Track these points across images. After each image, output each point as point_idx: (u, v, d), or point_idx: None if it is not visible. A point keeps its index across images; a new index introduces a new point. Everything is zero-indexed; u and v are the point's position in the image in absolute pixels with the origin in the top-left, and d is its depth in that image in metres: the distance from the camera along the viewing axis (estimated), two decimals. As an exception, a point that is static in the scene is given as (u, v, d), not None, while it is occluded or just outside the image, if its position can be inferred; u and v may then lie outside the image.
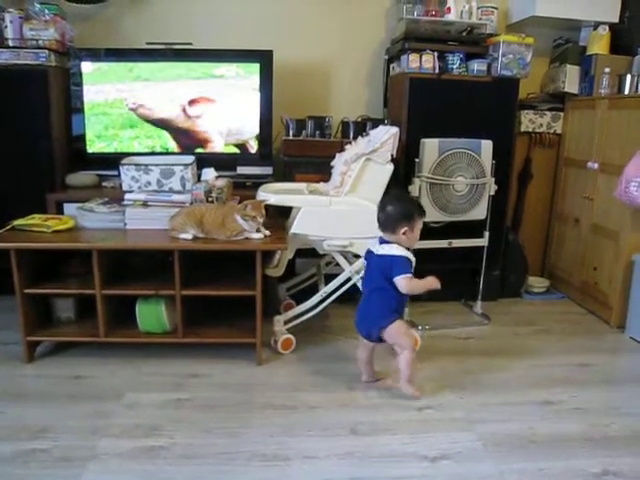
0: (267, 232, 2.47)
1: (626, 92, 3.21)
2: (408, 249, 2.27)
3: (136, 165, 2.67)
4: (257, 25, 3.43)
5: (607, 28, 3.44)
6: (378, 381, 2.43)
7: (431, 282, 2.26)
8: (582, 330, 3.14)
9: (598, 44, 3.46)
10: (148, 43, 3.10)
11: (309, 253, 2.78)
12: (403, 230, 2.22)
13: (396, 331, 2.25)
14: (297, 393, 2.32)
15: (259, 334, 2.49)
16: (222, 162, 3.07)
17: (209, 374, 2.45)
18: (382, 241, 2.27)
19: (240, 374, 2.46)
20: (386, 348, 2.43)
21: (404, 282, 2.18)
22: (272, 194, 2.57)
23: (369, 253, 2.31)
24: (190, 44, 3.11)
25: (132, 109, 3.12)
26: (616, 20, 3.43)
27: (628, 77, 3.20)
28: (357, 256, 2.61)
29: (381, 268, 2.23)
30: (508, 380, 2.51)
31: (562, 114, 3.63)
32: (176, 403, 2.21)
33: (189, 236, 2.42)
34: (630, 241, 3.06)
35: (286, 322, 2.67)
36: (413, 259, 2.26)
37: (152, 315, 2.50)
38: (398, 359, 2.30)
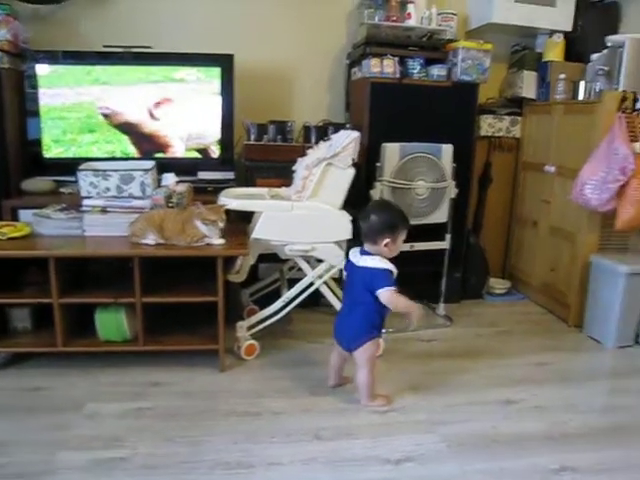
0: (221, 240, 2.44)
1: (580, 98, 3.29)
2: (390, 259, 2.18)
3: (94, 171, 2.61)
4: (218, 29, 3.40)
5: (561, 36, 3.52)
6: (342, 385, 2.42)
7: (414, 308, 2.18)
8: (542, 330, 3.20)
9: (553, 51, 3.54)
10: (106, 46, 3.04)
11: (272, 258, 2.76)
12: (385, 242, 2.15)
13: (366, 351, 2.21)
14: (260, 399, 2.30)
15: (221, 340, 2.46)
16: (183, 167, 3.03)
17: (171, 382, 2.41)
18: (363, 252, 2.20)
19: (203, 381, 2.43)
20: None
21: (387, 295, 2.10)
22: (233, 199, 2.55)
23: (349, 263, 2.24)
24: (149, 47, 3.06)
25: (105, 114, 3.07)
26: (569, 29, 3.52)
27: (582, 83, 3.29)
28: (320, 260, 2.61)
29: (363, 281, 2.15)
30: (470, 381, 2.54)
31: (520, 119, 3.71)
32: (137, 413, 2.17)
33: (151, 241, 2.38)
34: (586, 242, 3.13)
35: (249, 328, 2.64)
36: (395, 271, 2.17)
37: (112, 323, 2.46)
38: (357, 376, 2.27)
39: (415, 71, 3.17)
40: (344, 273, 2.35)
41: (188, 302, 2.47)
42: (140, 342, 2.46)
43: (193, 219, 2.37)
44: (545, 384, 2.55)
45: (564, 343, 3.04)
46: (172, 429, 2.07)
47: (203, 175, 3.09)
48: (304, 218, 2.50)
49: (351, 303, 2.24)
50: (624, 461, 2.00)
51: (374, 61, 3.09)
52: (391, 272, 2.15)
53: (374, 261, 2.15)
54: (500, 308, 3.52)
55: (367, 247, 2.19)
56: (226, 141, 3.16)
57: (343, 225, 2.53)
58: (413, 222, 2.95)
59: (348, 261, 2.26)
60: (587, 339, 3.10)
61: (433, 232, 3.11)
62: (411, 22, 3.22)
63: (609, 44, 3.15)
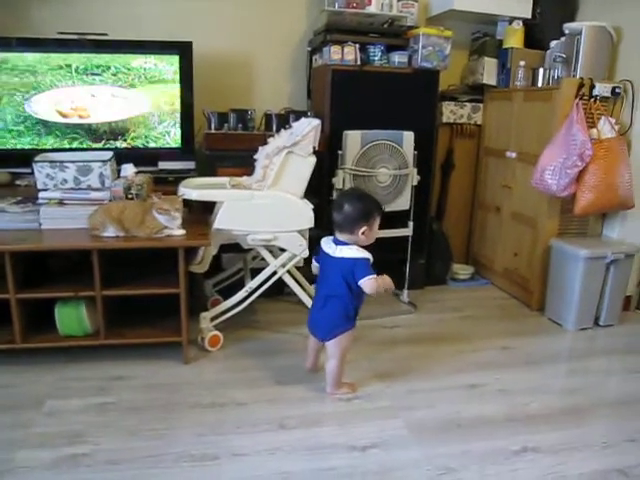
0: (182, 231, 2.41)
1: (539, 84, 3.33)
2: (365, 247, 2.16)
3: (51, 162, 2.54)
4: (176, 16, 3.33)
5: (521, 23, 3.55)
6: (317, 372, 2.43)
7: (388, 282, 2.16)
8: (505, 314, 3.26)
9: (513, 38, 3.56)
10: (60, 33, 2.96)
11: (236, 248, 2.73)
12: (362, 230, 2.13)
13: (340, 342, 2.20)
14: (225, 390, 2.29)
15: (185, 332, 2.44)
16: (143, 157, 2.98)
17: (134, 376, 2.38)
18: (338, 241, 2.17)
19: (167, 374, 2.41)
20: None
21: (369, 284, 2.08)
22: (193, 189, 2.51)
23: (324, 254, 2.20)
24: (105, 35, 2.99)
25: (72, 108, 2.99)
26: (529, 16, 3.55)
27: (541, 70, 3.33)
28: (283, 250, 2.60)
29: (342, 272, 2.12)
30: (434, 366, 2.57)
31: (482, 105, 3.73)
32: (100, 407, 2.14)
33: (110, 234, 2.34)
34: (547, 227, 3.19)
35: (213, 319, 2.63)
36: (371, 258, 2.15)
37: (72, 318, 2.41)
38: (327, 365, 2.28)
39: (376, 58, 3.16)
40: (314, 265, 2.32)
41: (150, 294, 2.43)
42: (101, 336, 2.42)
43: (152, 210, 2.33)
44: (508, 368, 2.59)
45: (527, 327, 3.09)
46: (136, 423, 2.05)
47: (164, 165, 3.04)
48: (265, 207, 2.48)
49: (326, 295, 2.20)
50: (582, 440, 2.05)
51: (335, 48, 3.07)
52: (369, 260, 2.13)
53: (351, 251, 2.12)
54: (464, 293, 3.56)
55: (342, 237, 2.17)
56: (186, 130, 3.11)
57: (305, 214, 2.52)
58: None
59: (321, 251, 2.22)
60: (549, 322, 3.16)
61: (396, 219, 3.12)
62: (371, 9, 3.21)
63: (567, 32, 3.19)
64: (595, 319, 3.12)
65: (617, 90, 3.05)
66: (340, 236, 2.17)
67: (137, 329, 2.53)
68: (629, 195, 3.03)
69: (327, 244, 2.20)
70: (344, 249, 2.13)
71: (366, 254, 2.13)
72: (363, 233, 2.14)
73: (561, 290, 3.09)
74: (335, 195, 2.50)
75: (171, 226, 2.35)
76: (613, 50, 3.18)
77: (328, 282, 2.19)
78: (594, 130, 2.98)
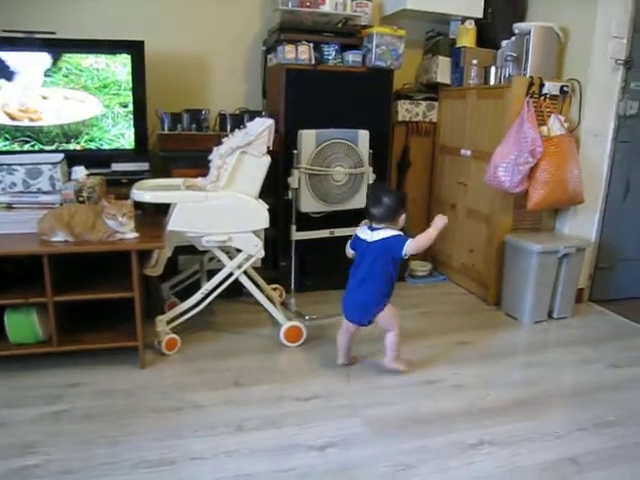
0: (135, 234, 2.37)
1: (492, 83, 3.39)
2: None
3: (-2, 165, 2.48)
4: (127, 15, 3.28)
5: (473, 22, 3.61)
6: (352, 364, 2.55)
7: (437, 224, 2.32)
8: (462, 310, 3.30)
9: (466, 37, 3.62)
10: (5, 31, 2.88)
11: (192, 250, 2.71)
12: (402, 216, 2.36)
13: (388, 315, 2.38)
14: (183, 393, 2.26)
15: (140, 336, 2.40)
16: (95, 159, 2.92)
17: (89, 382, 2.33)
18: (372, 228, 2.35)
19: (123, 379, 2.36)
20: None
21: (411, 247, 2.26)
22: (147, 191, 2.47)
23: (360, 241, 2.37)
24: (53, 33, 2.92)
25: (21, 110, 2.91)
26: (481, 15, 3.61)
27: (493, 69, 3.39)
28: (240, 250, 2.58)
29: (380, 253, 2.31)
30: (393, 363, 2.59)
31: (436, 103, 3.78)
32: (54, 416, 2.09)
33: (60, 239, 2.29)
34: (501, 223, 3.24)
35: (169, 322, 2.59)
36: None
37: (23, 325, 2.34)
38: (386, 337, 2.43)
39: (330, 57, 3.17)
40: (350, 251, 2.48)
41: (104, 299, 2.38)
42: (54, 343, 2.36)
43: (102, 214, 2.29)
44: (465, 362, 2.63)
45: (483, 322, 3.14)
46: (91, 431, 2.00)
47: (117, 167, 2.98)
48: (219, 208, 2.46)
49: (362, 279, 2.36)
50: (536, 431, 2.09)
51: (289, 47, 3.06)
52: (401, 233, 2.33)
53: (386, 232, 2.31)
54: (422, 290, 3.60)
55: (382, 225, 2.34)
56: (140, 131, 3.06)
57: (260, 214, 2.51)
58: (332, 208, 3.00)
59: (360, 239, 2.38)
60: (505, 316, 3.22)
61: (353, 218, 3.12)
62: (325, 8, 3.21)
63: (516, 31, 3.25)
64: (549, 312, 3.20)
65: (565, 88, 3.13)
66: (380, 225, 2.35)
67: (92, 334, 2.48)
68: (579, 190, 3.11)
69: (363, 232, 2.39)
70: (380, 232, 2.32)
71: (397, 231, 2.34)
72: (402, 219, 2.38)
73: (516, 284, 3.15)
74: (372, 189, 2.64)
75: (122, 230, 2.31)
76: (561, 50, 3.26)
77: (364, 266, 2.36)
78: (544, 127, 3.05)
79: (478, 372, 2.55)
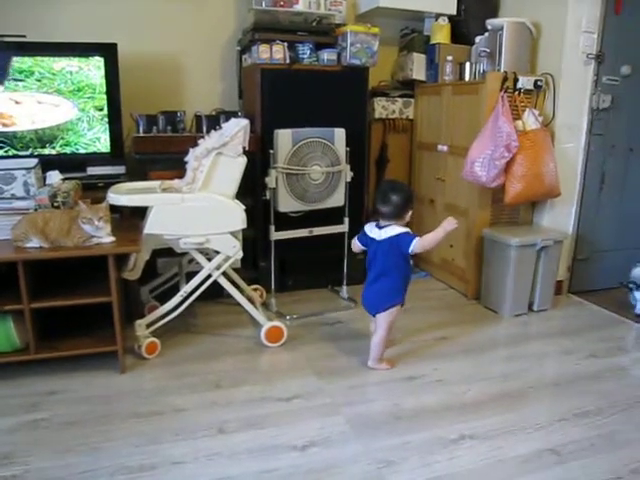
0: (111, 238, 2.35)
1: (466, 79, 3.41)
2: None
3: (-30, 171, 2.44)
4: (99, 17, 3.24)
5: (447, 19, 3.62)
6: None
7: (445, 226, 2.37)
8: (443, 305, 3.32)
9: (440, 34, 3.63)
10: (-27, 35, 2.84)
11: (171, 252, 2.69)
12: (409, 213, 2.43)
13: (388, 315, 2.45)
14: (163, 397, 2.25)
15: (119, 341, 2.38)
16: (70, 163, 2.89)
17: (68, 389, 2.30)
18: (380, 226, 2.42)
19: (102, 385, 2.34)
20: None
21: (418, 245, 2.33)
22: (122, 195, 2.45)
23: (369, 239, 2.44)
24: (24, 37, 2.88)
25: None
26: (454, 12, 3.63)
27: (467, 65, 3.41)
28: (218, 252, 2.57)
29: (390, 250, 2.38)
30: (374, 360, 2.59)
31: (413, 100, 3.79)
32: (32, 425, 2.06)
33: (35, 245, 2.26)
34: (479, 217, 3.26)
35: (149, 325, 2.57)
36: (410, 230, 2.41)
37: (-1, 333, 2.32)
38: (373, 337, 2.50)
39: (305, 56, 3.16)
40: (358, 245, 2.53)
41: (82, 304, 2.35)
42: (32, 350, 2.33)
43: (78, 219, 2.26)
44: (446, 357, 2.65)
45: (464, 316, 3.16)
46: (70, 438, 1.98)
47: (92, 171, 2.94)
48: (196, 210, 2.44)
49: (376, 274, 2.44)
50: (517, 423, 2.11)
51: (263, 47, 3.05)
52: (409, 231, 2.39)
53: (394, 229, 2.38)
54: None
55: (389, 222, 2.40)
56: (115, 134, 3.03)
57: (237, 215, 2.49)
58: (310, 207, 3.00)
59: (366, 237, 2.46)
60: (485, 310, 3.24)
61: (332, 216, 3.14)
62: (299, 7, 3.20)
63: (489, 27, 3.27)
64: (529, 305, 3.22)
65: (539, 83, 3.16)
66: (387, 222, 2.41)
67: (71, 340, 2.44)
68: (555, 184, 3.13)
69: (371, 230, 2.44)
70: (387, 230, 2.38)
71: (405, 228, 2.40)
72: (409, 216, 2.45)
73: (495, 278, 3.18)
74: (381, 186, 2.59)
75: (98, 235, 2.28)
76: (534, 45, 3.29)
77: (377, 263, 2.43)
78: (519, 122, 3.08)
79: (459, 367, 2.56)
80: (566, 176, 3.24)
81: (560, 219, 3.39)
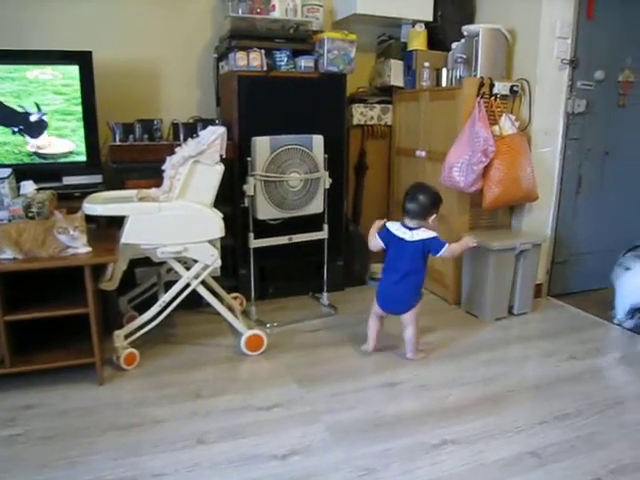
0: (87, 249, 2.32)
1: (443, 84, 3.43)
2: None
3: (-58, 182, 2.40)
4: (74, 25, 3.21)
5: (423, 26, 3.64)
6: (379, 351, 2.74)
7: (467, 241, 2.61)
8: (423, 310, 3.24)
9: (417, 40, 3.65)
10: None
11: (150, 262, 2.65)
12: (433, 217, 2.55)
13: (415, 311, 2.63)
14: (143, 409, 2.22)
15: (97, 352, 2.35)
16: (46, 173, 2.85)
17: (45, 403, 2.26)
18: (410, 227, 2.54)
19: (81, 398, 2.30)
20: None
21: (448, 250, 2.52)
22: (99, 204, 2.42)
23: (397, 239, 2.55)
24: (-5, 45, 2.85)
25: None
26: (430, 19, 3.65)
27: (444, 71, 3.43)
28: (196, 261, 2.55)
29: (421, 250, 2.53)
30: (354, 367, 2.59)
31: (391, 106, 3.80)
32: (7, 441, 2.01)
33: (9, 256, 2.22)
34: (458, 222, 3.28)
35: (127, 336, 2.54)
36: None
37: (-27, 347, 2.27)
38: (406, 333, 2.65)
39: (282, 63, 3.16)
40: (379, 243, 2.62)
41: (57, 316, 2.32)
42: (7, 364, 2.29)
43: (53, 230, 2.23)
44: (427, 363, 2.65)
45: (445, 321, 3.17)
46: (47, 453, 1.94)
47: (68, 180, 2.91)
48: (173, 219, 2.42)
49: (405, 273, 2.55)
50: (498, 427, 2.11)
51: (240, 54, 3.04)
52: (438, 236, 2.55)
53: (425, 233, 2.53)
54: (384, 292, 3.61)
55: (413, 223, 2.54)
56: (91, 143, 2.99)
57: (214, 223, 2.47)
58: (289, 215, 2.99)
59: (398, 238, 2.55)
60: (466, 315, 3.26)
61: (312, 223, 3.14)
62: (276, 14, 3.20)
63: (465, 33, 3.30)
64: (509, 308, 3.24)
65: (515, 88, 3.19)
66: (411, 223, 2.55)
67: (47, 353, 2.41)
68: (532, 188, 3.16)
69: (399, 230, 2.56)
70: (419, 232, 2.52)
71: (435, 233, 2.55)
72: (433, 220, 2.56)
73: (475, 283, 3.19)
74: (411, 186, 2.68)
75: (74, 245, 2.26)
76: (509, 51, 3.32)
77: (406, 261, 2.55)
78: (496, 127, 3.10)
79: (440, 372, 2.56)
80: (543, 180, 3.27)
81: (538, 223, 3.42)
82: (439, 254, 2.52)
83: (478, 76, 3.17)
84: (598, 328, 3.12)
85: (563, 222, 3.50)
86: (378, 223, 2.67)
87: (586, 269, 3.65)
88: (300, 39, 3.27)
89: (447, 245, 2.51)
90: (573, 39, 3.22)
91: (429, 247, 2.53)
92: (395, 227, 2.58)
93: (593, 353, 2.79)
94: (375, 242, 2.64)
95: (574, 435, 2.07)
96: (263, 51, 3.10)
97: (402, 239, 2.54)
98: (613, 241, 3.63)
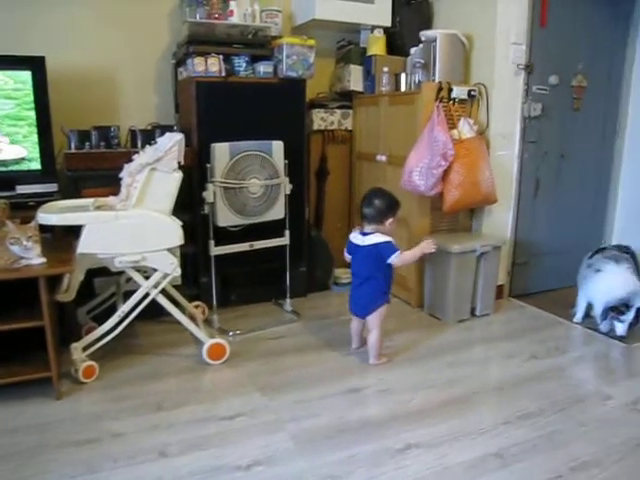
0: (42, 259, 2.25)
1: (402, 89, 3.45)
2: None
3: None
4: (26, 29, 3.13)
5: (382, 31, 3.67)
6: (364, 346, 2.77)
7: (423, 247, 2.61)
8: (387, 314, 3.28)
9: (376, 45, 3.68)
10: None
11: (109, 271, 2.59)
12: (390, 220, 2.59)
13: (378, 315, 2.63)
14: (102, 423, 2.16)
15: (54, 366, 2.28)
16: (-1, 182, 2.77)
17: (-4, 420, 2.19)
18: (364, 233, 2.59)
19: (35, 413, 2.22)
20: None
21: (397, 259, 2.53)
22: (53, 214, 2.35)
23: (353, 245, 2.62)
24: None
25: None
26: (389, 24, 3.68)
27: (403, 75, 3.45)
28: (156, 270, 2.50)
29: (373, 256, 2.55)
30: (318, 374, 2.57)
31: (351, 111, 3.81)
32: (-44, 461, 1.94)
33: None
34: (420, 226, 3.30)
35: (85, 348, 2.48)
36: (393, 240, 2.58)
37: None
38: (369, 337, 2.66)
39: (241, 69, 3.14)
40: (347, 256, 2.70)
41: (11, 330, 2.24)
42: (-45, 381, 2.21)
43: (5, 241, 2.16)
44: (391, 367, 2.65)
45: (408, 324, 3.18)
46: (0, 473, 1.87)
47: (22, 189, 2.83)
48: (130, 227, 2.36)
49: (362, 278, 2.62)
50: (461, 429, 2.12)
51: (198, 60, 3.00)
52: (392, 241, 2.56)
53: (377, 237, 2.55)
54: (347, 297, 3.55)
55: (370, 228, 2.59)
56: (45, 150, 2.92)
57: (173, 231, 2.43)
58: (250, 221, 2.97)
59: (353, 244, 2.62)
60: (429, 318, 3.27)
61: (273, 229, 3.11)
62: (234, 19, 3.17)
63: (423, 38, 3.33)
64: (471, 310, 3.27)
65: (472, 93, 3.23)
66: (368, 227, 2.60)
67: (1, 367, 2.32)
68: (491, 191, 3.20)
69: (355, 237, 2.63)
70: (371, 237, 2.56)
71: (388, 238, 2.56)
72: (390, 223, 2.60)
73: (437, 286, 3.22)
74: (367, 193, 2.72)
75: (27, 256, 2.19)
76: (467, 56, 3.37)
77: (361, 267, 2.62)
78: (455, 131, 3.13)
79: (404, 376, 2.57)
80: (502, 183, 3.32)
81: (498, 225, 3.46)
82: (389, 260, 2.53)
83: (436, 81, 3.20)
84: (558, 327, 3.17)
85: (522, 224, 3.56)
86: None
87: (546, 269, 3.72)
88: (259, 44, 3.26)
89: (398, 253, 2.52)
90: (528, 45, 3.28)
91: (381, 251, 2.54)
92: (353, 235, 2.66)
93: (554, 352, 2.83)
94: (345, 254, 2.73)
95: (536, 434, 2.10)
96: (221, 56, 3.07)
97: (357, 245, 2.60)
98: (570, 242, 3.72)
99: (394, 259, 2.52)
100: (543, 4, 3.27)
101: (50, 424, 2.15)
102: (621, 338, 2.94)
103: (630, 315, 2.88)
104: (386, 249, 2.53)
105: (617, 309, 2.90)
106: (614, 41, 3.61)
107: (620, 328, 2.92)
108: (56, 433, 2.09)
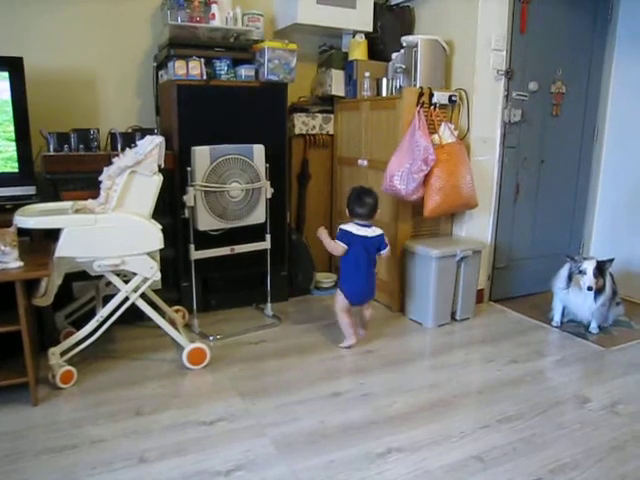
0: (19, 263, 2.22)
1: (384, 94, 3.46)
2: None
3: None
4: (5, 29, 3.09)
5: (364, 36, 3.68)
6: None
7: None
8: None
9: (357, 50, 3.69)
10: None
11: (88, 275, 2.56)
12: (377, 213, 2.86)
13: None
14: (79, 429, 2.13)
15: (31, 371, 2.24)
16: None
17: (-28, 427, 2.14)
18: (367, 225, 2.82)
19: (12, 420, 2.18)
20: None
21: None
22: (31, 217, 2.32)
23: (360, 238, 2.80)
24: None
25: None
26: (370, 29, 3.69)
27: (384, 80, 3.46)
28: (135, 273, 2.47)
29: (377, 245, 2.84)
30: (299, 378, 2.56)
31: (332, 116, 3.82)
32: None
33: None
34: (401, 230, 3.31)
35: (63, 353, 2.44)
36: None
37: None
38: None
39: (223, 72, 3.13)
40: (343, 246, 2.81)
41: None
42: None
43: (-19, 245, 2.13)
44: (371, 371, 2.65)
45: (389, 329, 3.18)
46: (-28, 483, 1.84)
47: (0, 192, 2.79)
48: (110, 231, 2.34)
49: (367, 267, 2.85)
50: (442, 433, 2.13)
51: (179, 63, 2.99)
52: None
53: (377, 229, 2.87)
54: (328, 301, 3.57)
55: (366, 222, 2.83)
56: (23, 153, 2.88)
57: (153, 235, 2.40)
58: (231, 225, 2.96)
59: (360, 236, 2.80)
60: (410, 322, 3.28)
61: (254, 233, 3.10)
62: (216, 22, 3.16)
63: (405, 44, 3.34)
64: (452, 314, 3.29)
65: (453, 98, 3.25)
66: (365, 222, 2.83)
67: (-25, 374, 2.29)
68: (472, 195, 3.22)
69: (360, 230, 2.82)
70: (375, 229, 2.86)
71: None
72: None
73: (418, 290, 3.23)
74: (354, 192, 2.89)
75: (4, 260, 2.15)
76: (448, 61, 3.39)
77: (369, 256, 2.85)
78: (436, 136, 3.15)
79: (385, 380, 2.57)
80: (482, 188, 3.34)
81: (478, 230, 3.49)
82: (383, 251, 2.87)
83: (418, 86, 3.22)
84: (537, 331, 3.20)
85: (502, 229, 3.59)
86: (325, 230, 2.88)
87: (526, 274, 3.75)
88: (240, 48, 3.25)
89: (389, 247, 2.89)
90: (508, 51, 3.32)
91: (381, 242, 2.85)
92: (355, 228, 2.81)
93: (533, 356, 2.85)
94: (340, 247, 2.82)
95: (516, 437, 2.11)
96: (203, 60, 3.06)
97: (365, 237, 2.80)
98: (550, 246, 3.76)
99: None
100: (523, 11, 3.31)
101: (26, 431, 2.12)
102: (589, 289, 3.02)
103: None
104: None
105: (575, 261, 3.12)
106: (592, 48, 3.67)
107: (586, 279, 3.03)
108: (32, 440, 2.06)
